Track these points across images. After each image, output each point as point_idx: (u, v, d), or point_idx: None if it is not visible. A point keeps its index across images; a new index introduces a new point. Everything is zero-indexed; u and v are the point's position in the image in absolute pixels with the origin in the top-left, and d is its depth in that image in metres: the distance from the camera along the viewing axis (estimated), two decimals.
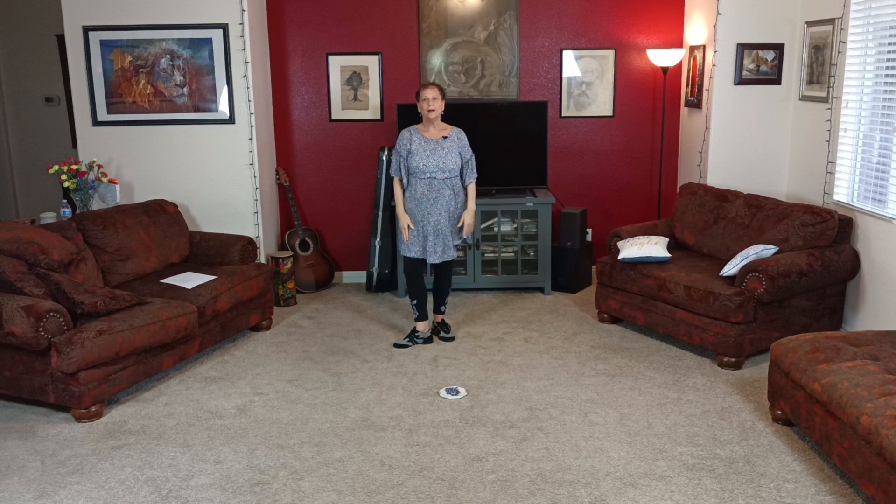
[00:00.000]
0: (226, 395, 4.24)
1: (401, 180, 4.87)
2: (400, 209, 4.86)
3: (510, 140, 6.00)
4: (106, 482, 3.36)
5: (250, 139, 5.72)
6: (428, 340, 4.97)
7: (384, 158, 6.01)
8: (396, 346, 4.90)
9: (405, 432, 3.77)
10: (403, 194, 4.88)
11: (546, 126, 5.96)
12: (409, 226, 4.81)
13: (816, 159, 5.19)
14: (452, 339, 5.04)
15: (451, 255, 4.87)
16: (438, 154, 4.73)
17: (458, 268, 6.03)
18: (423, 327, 4.98)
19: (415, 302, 4.95)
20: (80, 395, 3.89)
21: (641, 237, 5.09)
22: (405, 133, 4.80)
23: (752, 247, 4.63)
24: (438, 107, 4.71)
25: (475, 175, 4.90)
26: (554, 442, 3.65)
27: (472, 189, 4.89)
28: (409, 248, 4.86)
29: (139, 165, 5.76)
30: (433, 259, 4.82)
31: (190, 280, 4.78)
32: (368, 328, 5.29)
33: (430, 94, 4.69)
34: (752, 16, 5.43)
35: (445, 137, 4.78)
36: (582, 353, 4.76)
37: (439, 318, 5.12)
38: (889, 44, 4.42)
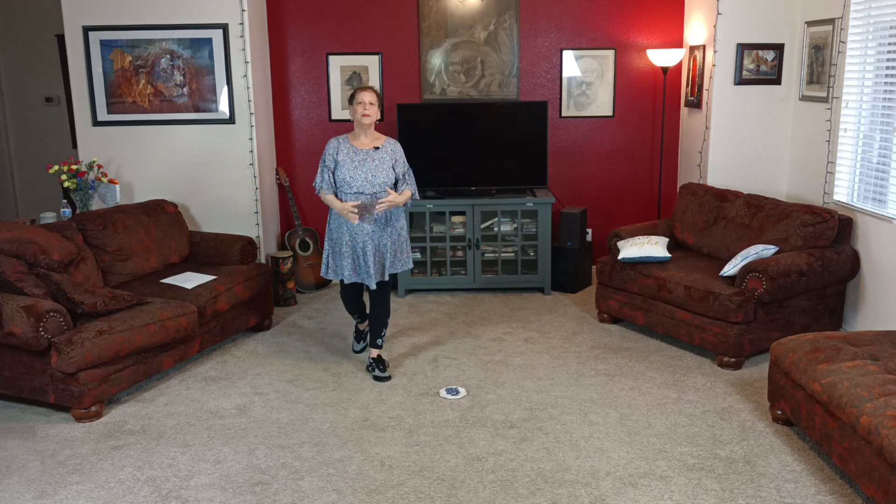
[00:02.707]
0: (226, 395, 4.24)
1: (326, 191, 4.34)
2: (338, 204, 4.25)
3: (510, 140, 6.00)
4: (106, 482, 3.36)
5: (250, 139, 5.72)
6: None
7: None
8: (355, 351, 4.79)
9: (405, 432, 3.77)
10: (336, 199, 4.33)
11: (546, 126, 5.96)
12: (352, 208, 4.21)
13: (816, 159, 5.19)
14: (388, 378, 4.39)
15: (377, 278, 4.33)
16: (368, 165, 4.24)
17: (458, 268, 6.03)
18: (365, 326, 4.74)
19: (356, 315, 4.69)
20: (80, 395, 3.89)
21: (641, 237, 5.09)
22: (333, 142, 4.31)
23: (752, 247, 4.63)
24: (374, 113, 4.25)
25: (413, 189, 4.41)
26: (554, 442, 3.65)
27: (406, 192, 4.36)
28: (342, 270, 4.35)
29: (139, 165, 5.76)
30: (350, 278, 4.33)
31: (190, 280, 4.78)
32: None
33: (368, 97, 4.23)
34: (752, 16, 5.43)
35: (377, 148, 4.30)
36: (582, 353, 4.76)
37: (375, 353, 4.47)
38: (889, 44, 4.42)
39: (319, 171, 4.36)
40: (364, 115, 4.24)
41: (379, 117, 4.41)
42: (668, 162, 6.42)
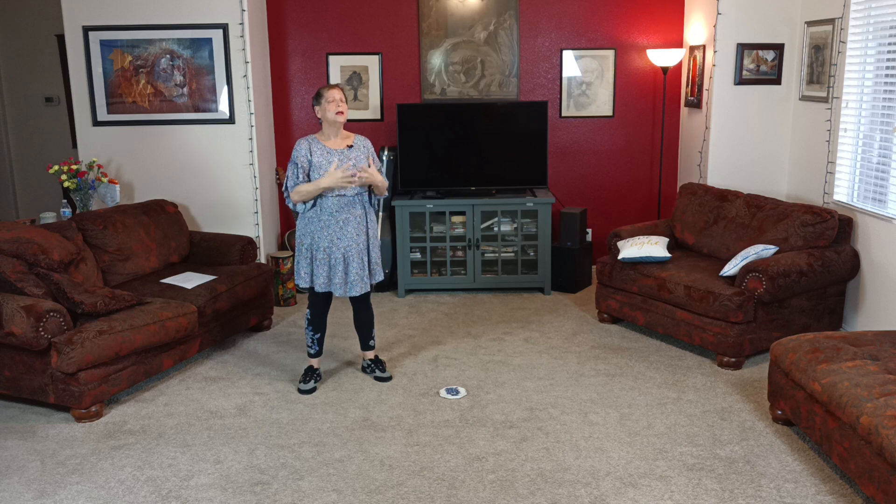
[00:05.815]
0: (226, 395, 4.24)
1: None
2: (325, 180, 4.00)
3: (510, 140, 6.00)
4: (106, 482, 3.36)
5: (250, 139, 5.72)
6: (319, 377, 4.37)
7: (385, 158, 6.01)
8: (302, 392, 4.25)
9: (405, 432, 3.77)
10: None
11: (546, 126, 5.96)
12: (348, 171, 4.05)
13: (816, 159, 5.19)
14: (390, 378, 4.41)
15: (364, 287, 4.20)
16: (345, 166, 4.10)
17: (458, 268, 6.03)
18: (317, 363, 4.38)
19: (317, 336, 4.31)
20: (80, 395, 3.89)
21: (641, 237, 5.09)
22: (302, 143, 4.10)
23: (752, 247, 4.63)
24: (346, 110, 4.11)
25: (387, 183, 4.32)
26: (554, 442, 3.65)
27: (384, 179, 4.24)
28: (315, 278, 4.14)
29: (139, 165, 5.76)
30: (339, 292, 4.15)
31: (190, 280, 4.79)
32: None
33: (338, 94, 4.08)
34: (752, 16, 5.43)
35: (350, 147, 4.16)
36: (582, 353, 4.76)
37: (371, 354, 4.47)
38: (889, 44, 4.42)
39: (291, 173, 4.09)
40: (338, 113, 4.07)
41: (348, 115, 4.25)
42: (668, 162, 6.43)
